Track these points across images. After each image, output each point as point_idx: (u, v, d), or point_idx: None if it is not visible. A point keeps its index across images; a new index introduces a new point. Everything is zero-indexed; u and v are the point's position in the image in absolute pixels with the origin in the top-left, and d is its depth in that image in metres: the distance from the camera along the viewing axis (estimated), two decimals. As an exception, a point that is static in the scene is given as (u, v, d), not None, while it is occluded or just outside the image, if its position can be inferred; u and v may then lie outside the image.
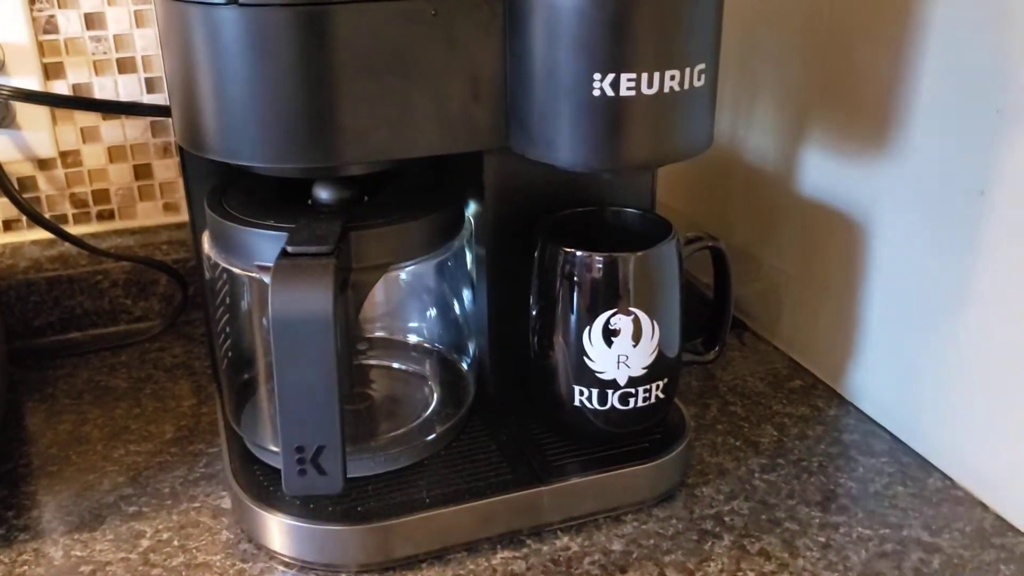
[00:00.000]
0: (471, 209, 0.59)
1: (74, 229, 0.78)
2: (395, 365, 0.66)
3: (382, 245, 0.51)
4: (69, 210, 0.79)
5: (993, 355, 0.56)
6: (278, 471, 0.54)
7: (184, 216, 0.81)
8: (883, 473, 0.61)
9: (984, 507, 0.58)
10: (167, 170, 0.80)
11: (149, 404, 0.70)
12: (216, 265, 0.55)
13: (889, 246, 0.63)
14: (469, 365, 0.63)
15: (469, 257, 0.60)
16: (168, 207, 0.82)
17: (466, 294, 0.61)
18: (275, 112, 0.47)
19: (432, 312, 0.65)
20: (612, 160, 0.49)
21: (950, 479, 0.60)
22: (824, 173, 0.69)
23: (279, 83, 0.46)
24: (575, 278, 0.54)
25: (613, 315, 0.53)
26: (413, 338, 0.67)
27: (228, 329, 0.59)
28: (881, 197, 0.64)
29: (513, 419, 0.61)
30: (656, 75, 0.47)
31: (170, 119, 0.77)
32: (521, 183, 0.57)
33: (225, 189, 0.56)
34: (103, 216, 0.80)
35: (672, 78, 0.47)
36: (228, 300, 0.57)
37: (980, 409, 0.58)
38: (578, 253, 0.54)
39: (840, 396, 0.70)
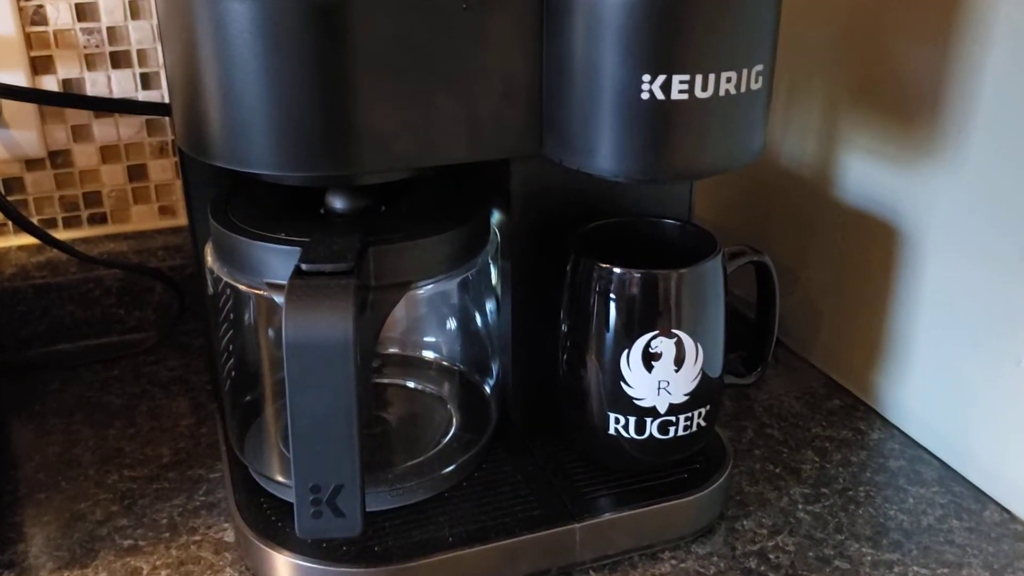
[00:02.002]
0: (495, 218, 0.55)
1: (64, 234, 0.74)
2: (411, 385, 0.61)
3: (405, 262, 0.47)
4: (59, 213, 0.74)
5: (1061, 381, 0.52)
6: (286, 504, 0.50)
7: (182, 220, 0.77)
8: (935, 504, 0.57)
9: (1048, 544, 0.54)
10: (163, 171, 0.76)
11: (144, 423, 0.66)
12: (220, 280, 0.50)
13: (939, 258, 0.59)
14: (491, 387, 0.58)
15: (493, 270, 0.55)
16: (164, 210, 0.77)
17: (489, 309, 0.57)
18: (288, 115, 0.42)
19: (452, 328, 0.61)
20: (659, 170, 0.45)
21: (1008, 512, 0.56)
22: (866, 180, 0.64)
23: (292, 83, 0.42)
24: (612, 296, 0.49)
25: (654, 337, 0.49)
26: (430, 355, 0.63)
27: (232, 347, 0.55)
28: (931, 206, 0.59)
29: (539, 446, 0.57)
30: (711, 77, 0.42)
31: (167, 118, 0.72)
32: (551, 190, 0.52)
33: (230, 196, 0.52)
34: (95, 220, 0.75)
35: (728, 80, 0.43)
36: (232, 317, 0.53)
37: (1043, 438, 0.54)
38: (616, 269, 0.49)
39: (883, 418, 0.66)
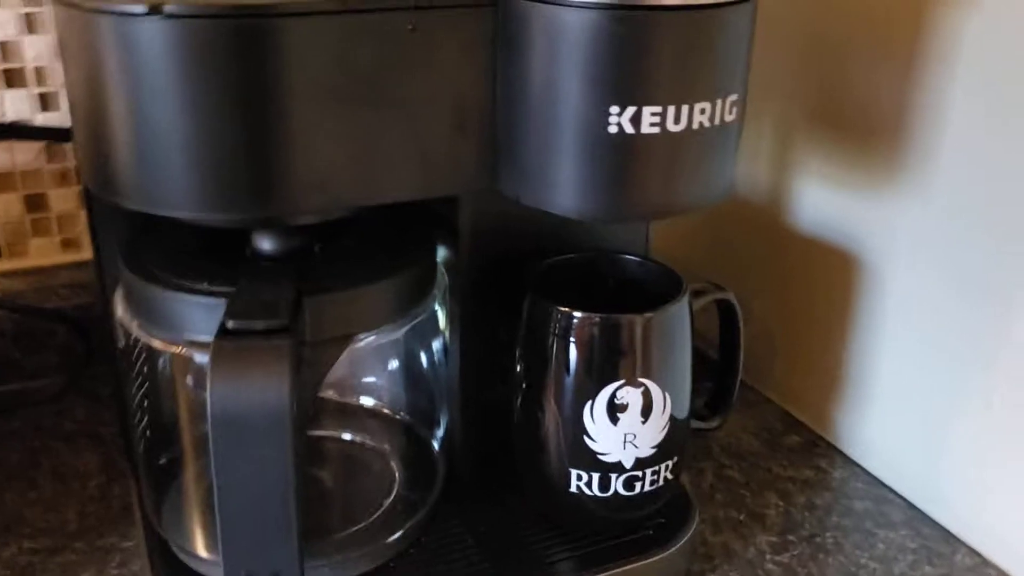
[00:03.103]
0: (441, 255, 0.50)
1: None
2: (347, 437, 0.56)
3: (345, 313, 0.42)
4: (-51, 249, 0.67)
5: (1036, 420, 0.50)
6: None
7: (87, 254, 0.70)
8: (905, 549, 0.54)
9: (1024, 589, 0.52)
10: (65, 200, 0.69)
11: (47, 484, 0.59)
12: (132, 334, 0.44)
13: (903, 287, 0.57)
14: (438, 438, 0.53)
15: (440, 310, 0.50)
16: (67, 244, 0.70)
17: (435, 349, 0.52)
18: (210, 152, 0.37)
19: (393, 371, 0.55)
20: (626, 210, 0.41)
21: (980, 555, 0.54)
22: (823, 206, 0.62)
23: (215, 116, 0.37)
24: (572, 342, 0.45)
25: (620, 387, 0.45)
26: (369, 402, 0.57)
27: (146, 404, 0.49)
28: (894, 234, 0.57)
29: (491, 504, 0.52)
30: (684, 108, 0.39)
31: (69, 144, 0.66)
32: (502, 224, 0.48)
33: (143, 237, 0.46)
34: (-12, 256, 0.68)
35: (703, 112, 0.39)
36: (147, 372, 0.47)
37: (1013, 475, 0.51)
38: (576, 313, 0.45)
39: (843, 455, 0.63)
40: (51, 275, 0.69)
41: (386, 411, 0.57)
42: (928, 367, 0.56)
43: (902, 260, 0.57)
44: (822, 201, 0.62)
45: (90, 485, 0.59)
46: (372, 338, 0.44)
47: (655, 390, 0.45)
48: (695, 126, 0.39)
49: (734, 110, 0.41)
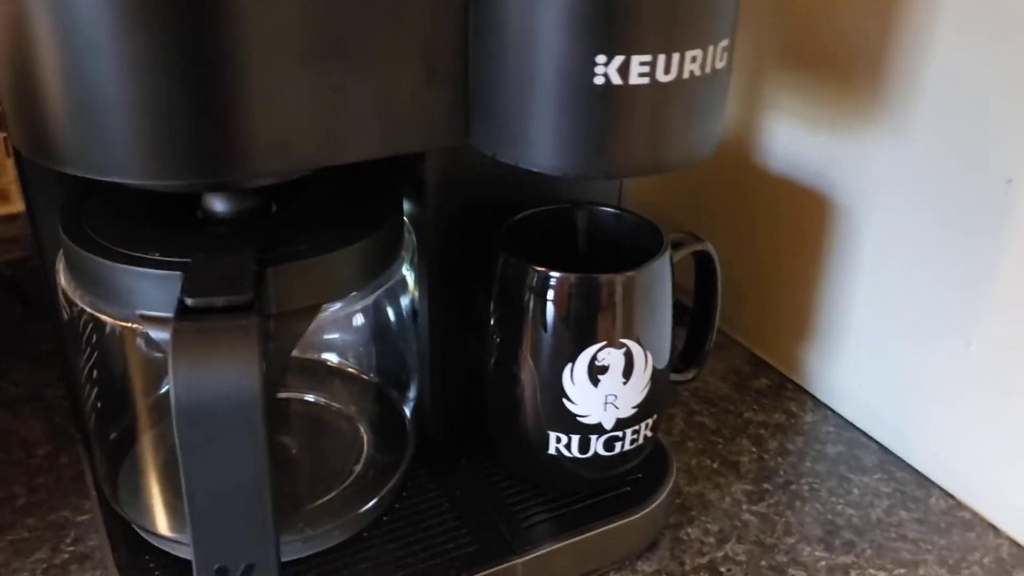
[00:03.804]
0: (407, 208, 0.47)
1: None
2: (310, 398, 0.53)
3: (312, 282, 0.39)
4: None
5: (1012, 357, 0.49)
6: (181, 561, 0.43)
7: (17, 206, 0.65)
8: (880, 495, 0.54)
9: (996, 531, 0.52)
10: (-10, 148, 0.64)
11: (-11, 455, 0.56)
12: (77, 306, 0.41)
13: (879, 229, 0.55)
14: (407, 399, 0.51)
15: (407, 267, 0.48)
16: (-5, 195, 0.65)
17: (404, 305, 0.49)
18: (158, 113, 0.33)
19: (359, 329, 0.53)
20: (613, 166, 0.38)
21: (953, 498, 0.54)
22: (795, 146, 0.60)
23: (162, 72, 0.33)
24: (550, 303, 0.43)
25: (601, 349, 0.43)
26: (334, 360, 0.55)
27: (95, 375, 0.45)
28: (869, 175, 0.55)
29: (465, 466, 0.50)
30: (675, 57, 0.36)
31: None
32: (471, 176, 0.45)
33: (83, 199, 0.42)
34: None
35: (693, 60, 0.36)
36: (96, 345, 0.44)
37: (989, 418, 0.51)
38: (553, 274, 0.43)
39: (813, 397, 0.63)
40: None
41: (351, 370, 0.54)
42: (903, 309, 0.55)
43: (877, 200, 0.55)
44: (792, 139, 0.60)
45: (37, 454, 0.56)
46: (339, 307, 0.41)
47: (636, 350, 0.44)
48: (685, 75, 0.36)
49: (724, 56, 0.38)
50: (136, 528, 0.45)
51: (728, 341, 0.68)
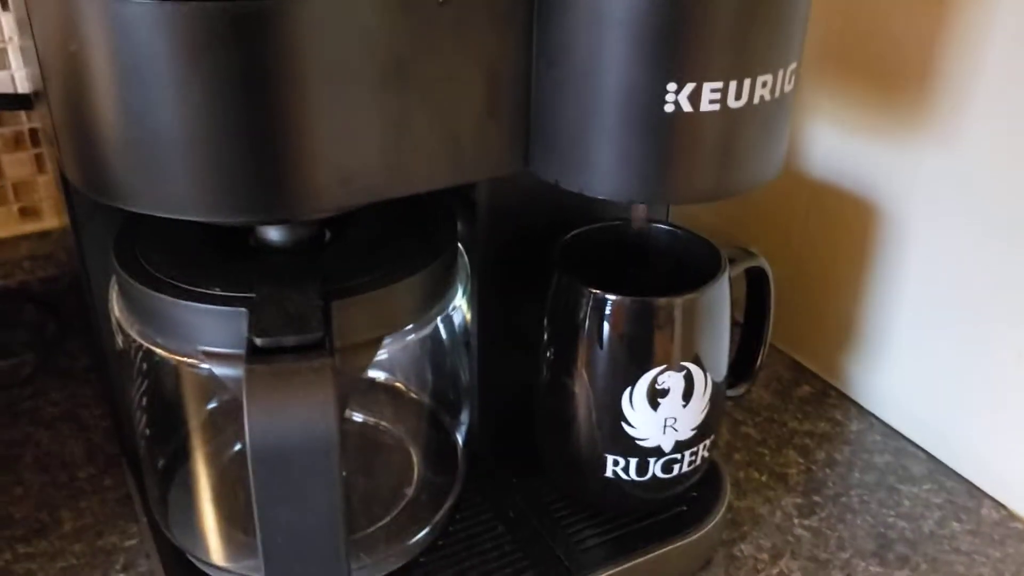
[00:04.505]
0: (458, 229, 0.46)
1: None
2: (358, 418, 0.53)
3: (375, 314, 0.38)
4: None
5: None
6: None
7: (48, 223, 0.64)
8: (931, 506, 0.54)
9: (1051, 542, 0.52)
10: (21, 166, 0.63)
11: (34, 479, 0.55)
12: (133, 339, 0.40)
13: (925, 238, 0.55)
14: (458, 419, 0.51)
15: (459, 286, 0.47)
16: (26, 213, 0.64)
17: (455, 324, 0.48)
18: (217, 149, 0.33)
19: (410, 349, 0.52)
20: (680, 192, 0.37)
21: (1005, 508, 0.54)
22: (838, 152, 0.59)
23: (221, 108, 0.32)
24: (608, 327, 0.42)
25: (661, 372, 0.43)
26: (381, 376, 0.54)
27: (146, 403, 0.45)
28: (916, 184, 0.55)
29: (516, 486, 0.50)
30: (747, 83, 0.35)
31: (26, 112, 0.60)
32: (522, 195, 0.44)
33: (137, 229, 0.42)
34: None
35: (764, 85, 0.36)
36: (146, 371, 0.43)
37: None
38: (611, 296, 0.42)
39: (857, 404, 0.62)
40: (11, 248, 0.64)
41: (400, 387, 0.53)
42: (951, 317, 0.54)
43: (923, 208, 0.55)
44: (835, 145, 0.59)
45: (79, 477, 0.55)
46: (403, 337, 0.40)
47: (696, 372, 0.43)
48: (756, 101, 0.36)
49: (793, 79, 0.37)
50: (189, 557, 0.45)
51: (770, 350, 0.68)
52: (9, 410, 0.60)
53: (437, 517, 0.46)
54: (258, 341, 0.34)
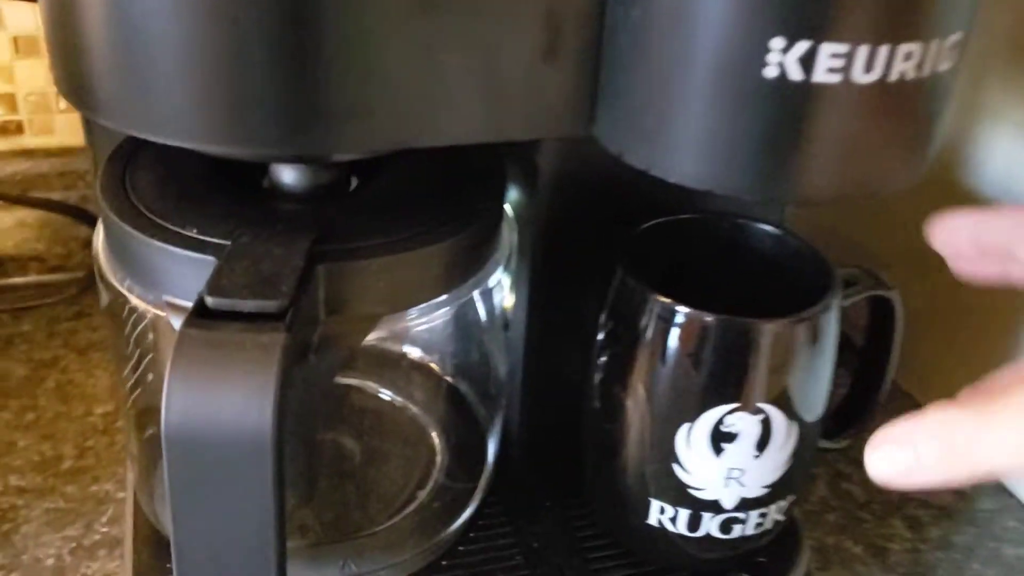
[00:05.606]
0: (512, 197, 0.39)
1: (-34, 145, 0.58)
2: (384, 394, 0.46)
3: (373, 287, 0.31)
4: (-40, 119, 0.58)
5: None
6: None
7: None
8: (1067, 623, 0.43)
9: None
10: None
11: (49, 406, 0.51)
12: (113, 287, 0.35)
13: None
14: (490, 411, 0.43)
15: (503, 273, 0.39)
16: (97, 122, 0.61)
17: (496, 302, 0.40)
18: (219, 66, 0.26)
19: (447, 330, 0.45)
20: (782, 187, 0.28)
21: None
22: (1019, 165, 0.48)
23: (226, 18, 0.25)
24: (672, 345, 0.34)
25: (731, 412, 0.34)
26: (414, 352, 0.47)
27: (136, 372, 0.39)
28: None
29: (549, 511, 0.42)
30: (883, 50, 0.26)
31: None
32: (597, 165, 0.35)
33: (136, 154, 0.36)
34: (7, 130, 0.59)
35: (907, 57, 0.26)
36: (135, 336, 0.38)
37: None
38: (681, 309, 0.34)
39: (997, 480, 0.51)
40: (78, 157, 0.60)
41: (430, 363, 0.46)
42: None
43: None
44: (1016, 157, 0.48)
45: (95, 412, 0.51)
46: (412, 316, 0.33)
47: (778, 418, 0.34)
48: (894, 77, 0.26)
49: (952, 56, 0.28)
50: (157, 527, 0.39)
51: (892, 389, 0.57)
52: (47, 327, 0.57)
53: (447, 530, 0.40)
54: (209, 300, 0.27)
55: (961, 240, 0.36)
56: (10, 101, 0.58)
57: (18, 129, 0.59)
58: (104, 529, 0.44)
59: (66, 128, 0.60)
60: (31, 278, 0.60)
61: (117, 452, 0.49)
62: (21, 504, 0.45)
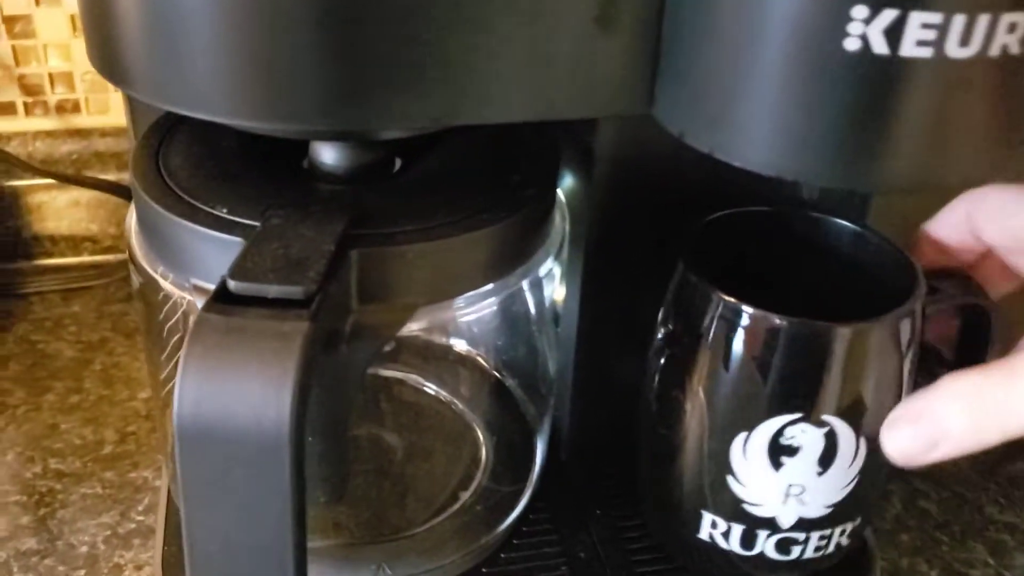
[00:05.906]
0: (566, 184, 0.37)
1: (22, 124, 0.57)
2: (428, 388, 0.44)
3: (414, 274, 0.29)
4: (18, 97, 0.57)
5: None
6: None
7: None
8: None
9: None
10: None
11: (94, 389, 0.51)
12: (144, 269, 0.33)
13: None
14: (539, 410, 0.41)
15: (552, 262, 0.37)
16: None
17: (547, 295, 0.38)
18: (254, 37, 0.25)
19: (491, 315, 0.43)
20: (858, 173, 0.26)
21: None
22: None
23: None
24: (734, 348, 0.31)
25: (792, 423, 0.31)
26: (460, 345, 0.45)
27: (168, 359, 0.38)
28: None
29: (599, 520, 0.40)
30: (983, 20, 0.23)
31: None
32: (659, 149, 0.33)
33: (173, 131, 0.34)
34: (64, 108, 0.58)
35: (1012, 28, 0.23)
36: (164, 317, 0.36)
37: None
38: (746, 309, 0.31)
39: (1086, 501, 0.47)
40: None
41: (478, 358, 0.44)
42: None
43: None
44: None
45: (138, 397, 0.50)
46: (455, 307, 0.31)
47: (845, 433, 0.31)
48: (995, 51, 0.23)
49: (1064, 29, 0.24)
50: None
51: (976, 403, 0.53)
52: (97, 309, 0.56)
53: (490, 535, 0.37)
54: (231, 284, 0.26)
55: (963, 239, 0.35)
56: (68, 79, 0.57)
57: (75, 108, 0.58)
58: (140, 518, 0.43)
59: (122, 108, 0.59)
60: (83, 258, 0.60)
61: (158, 439, 0.47)
62: (59, 488, 0.44)
